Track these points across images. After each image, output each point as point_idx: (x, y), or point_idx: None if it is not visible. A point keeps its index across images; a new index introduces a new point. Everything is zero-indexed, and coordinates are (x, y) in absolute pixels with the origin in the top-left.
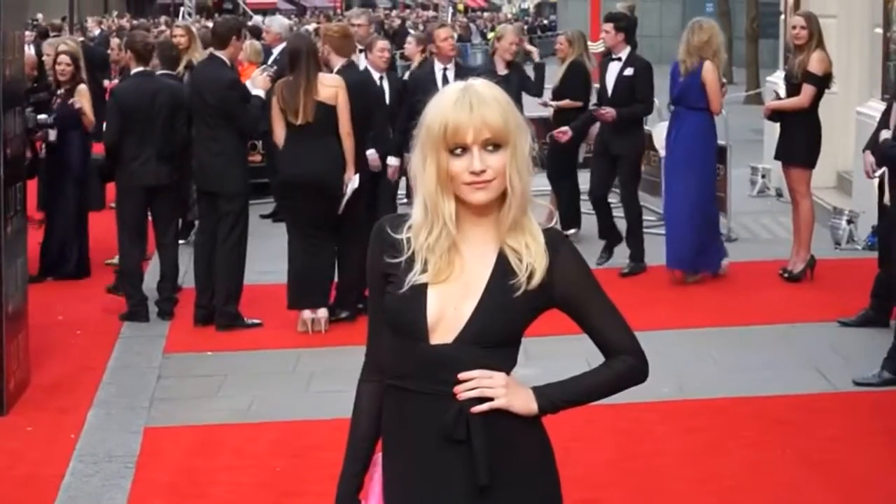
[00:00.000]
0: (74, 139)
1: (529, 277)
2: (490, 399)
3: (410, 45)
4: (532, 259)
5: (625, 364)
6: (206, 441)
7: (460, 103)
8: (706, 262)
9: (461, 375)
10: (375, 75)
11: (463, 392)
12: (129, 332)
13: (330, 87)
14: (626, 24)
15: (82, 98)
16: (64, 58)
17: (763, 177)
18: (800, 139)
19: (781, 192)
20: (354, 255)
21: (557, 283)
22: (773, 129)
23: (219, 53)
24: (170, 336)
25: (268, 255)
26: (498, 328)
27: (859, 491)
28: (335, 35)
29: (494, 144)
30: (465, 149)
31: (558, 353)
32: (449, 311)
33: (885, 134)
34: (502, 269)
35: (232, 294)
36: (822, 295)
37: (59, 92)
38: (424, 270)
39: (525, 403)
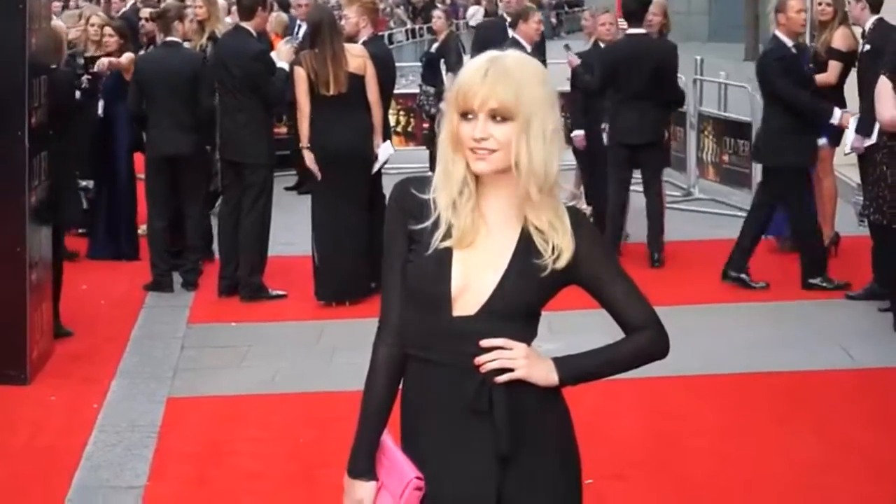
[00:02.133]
0: (122, 112)
1: (556, 259)
2: (510, 370)
3: (439, 20)
4: (559, 240)
5: (646, 338)
6: (229, 412)
7: (479, 70)
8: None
9: (483, 343)
10: (528, 47)
11: (484, 364)
12: (154, 302)
13: (358, 57)
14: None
15: (127, 56)
16: (108, 30)
17: None
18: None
19: None
20: (382, 226)
21: (581, 263)
22: None
23: (244, 24)
24: (194, 307)
25: (292, 227)
26: (520, 302)
27: (886, 469)
28: (372, 7)
29: (501, 116)
30: (474, 114)
31: (583, 327)
32: (472, 281)
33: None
34: (526, 243)
35: (256, 265)
36: (846, 271)
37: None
38: (449, 235)
39: (545, 374)
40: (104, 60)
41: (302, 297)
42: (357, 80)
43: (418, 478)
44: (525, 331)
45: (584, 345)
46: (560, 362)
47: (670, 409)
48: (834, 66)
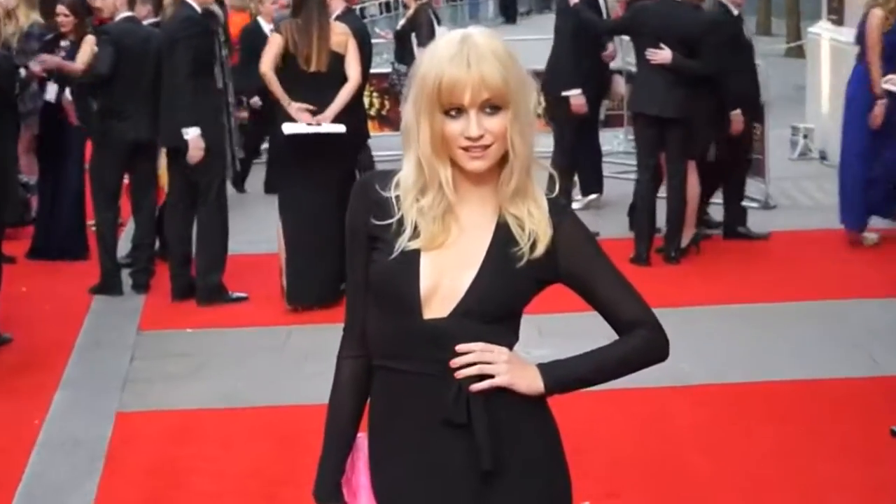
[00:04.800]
0: (76, 97)
1: (532, 247)
2: (491, 376)
3: None
4: (535, 227)
5: (641, 339)
6: (186, 427)
7: (458, 58)
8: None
9: (459, 347)
10: (735, 11)
11: (461, 369)
12: (100, 306)
13: (341, 34)
14: None
15: (85, 50)
16: (61, 8)
17: (805, 137)
18: None
19: (826, 155)
20: None
21: (562, 256)
22: (816, 86)
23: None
24: (145, 311)
25: (255, 221)
26: (498, 301)
27: None
28: None
29: (493, 106)
30: (462, 110)
31: (576, 331)
32: (444, 281)
33: None
34: (503, 236)
35: (214, 264)
36: (869, 269)
37: (62, 44)
38: (416, 235)
39: (529, 381)
40: (47, 60)
41: (266, 300)
42: (337, 60)
43: None
44: (505, 333)
45: (577, 350)
46: (546, 368)
47: (671, 421)
48: None
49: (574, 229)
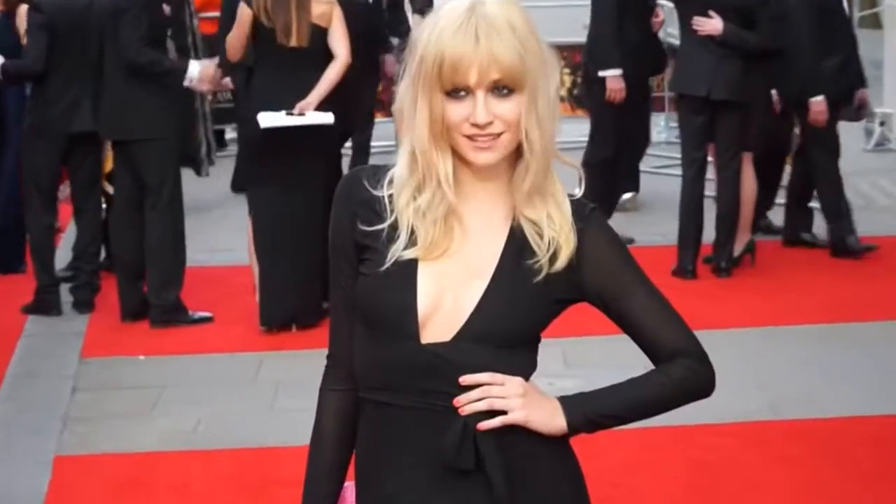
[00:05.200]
0: (10, 87)
1: (552, 258)
2: (502, 413)
3: None
4: (556, 234)
5: (683, 369)
6: (137, 475)
7: (464, 30)
8: None
9: (464, 379)
10: None
11: (467, 404)
12: (36, 328)
13: (324, 4)
14: None
15: (20, 22)
16: None
17: (882, 125)
18: None
19: None
20: None
21: (587, 270)
22: (895, 63)
23: None
24: (88, 335)
25: (219, 226)
26: (512, 323)
27: None
28: None
29: (506, 88)
30: (468, 91)
31: (606, 358)
32: (447, 299)
33: None
34: (517, 245)
35: (170, 278)
36: None
37: None
38: (413, 242)
39: (548, 418)
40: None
41: (233, 321)
42: (322, 34)
43: None
44: (520, 362)
45: (608, 381)
46: (569, 403)
47: (723, 466)
48: None
49: (602, 237)
